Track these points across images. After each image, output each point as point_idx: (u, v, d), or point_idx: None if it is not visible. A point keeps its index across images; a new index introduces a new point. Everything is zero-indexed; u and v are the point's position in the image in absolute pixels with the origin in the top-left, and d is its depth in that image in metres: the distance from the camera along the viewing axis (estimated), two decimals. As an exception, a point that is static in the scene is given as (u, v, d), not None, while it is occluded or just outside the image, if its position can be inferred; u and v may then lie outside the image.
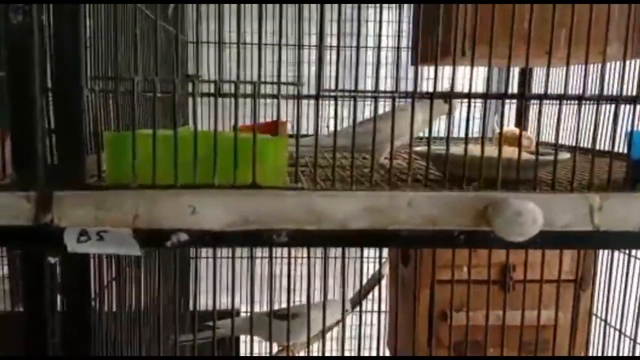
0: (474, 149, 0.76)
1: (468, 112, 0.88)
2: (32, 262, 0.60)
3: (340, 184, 0.67)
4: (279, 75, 0.62)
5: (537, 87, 1.44)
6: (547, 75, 0.74)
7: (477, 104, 1.54)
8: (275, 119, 0.69)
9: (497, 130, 1.39)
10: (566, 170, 0.85)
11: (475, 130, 1.52)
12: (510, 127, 1.40)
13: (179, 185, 0.61)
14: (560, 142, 0.79)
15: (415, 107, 0.72)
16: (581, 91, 0.70)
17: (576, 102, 0.71)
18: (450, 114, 1.03)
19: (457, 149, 0.87)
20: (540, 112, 0.86)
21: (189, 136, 0.60)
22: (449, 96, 0.92)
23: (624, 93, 0.72)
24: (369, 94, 0.67)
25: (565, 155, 0.85)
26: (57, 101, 0.59)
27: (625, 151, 0.73)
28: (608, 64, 0.75)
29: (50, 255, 0.61)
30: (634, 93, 0.71)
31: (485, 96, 0.84)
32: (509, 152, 0.85)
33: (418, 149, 0.94)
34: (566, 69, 0.92)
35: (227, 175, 0.62)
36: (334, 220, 0.62)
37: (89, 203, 0.59)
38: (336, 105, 0.66)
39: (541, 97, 0.70)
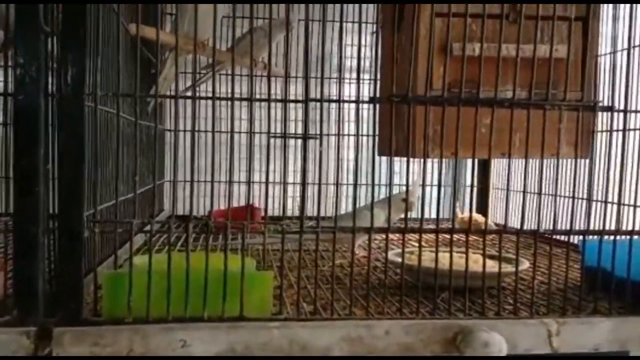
0: (444, 258, 0.83)
1: (438, 201, 0.94)
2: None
3: (322, 309, 0.72)
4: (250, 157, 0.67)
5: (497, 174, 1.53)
6: (508, 175, 0.82)
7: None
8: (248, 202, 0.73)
9: (460, 215, 1.48)
10: (527, 279, 0.92)
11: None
12: (473, 213, 1.48)
13: (171, 319, 0.65)
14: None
15: (377, 207, 0.79)
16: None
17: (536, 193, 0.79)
18: (409, 211, 1.12)
19: (428, 257, 0.94)
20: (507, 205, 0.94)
21: (182, 271, 0.65)
22: (406, 199, 0.99)
23: (577, 190, 0.80)
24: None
25: (524, 265, 0.93)
26: (60, 242, 0.63)
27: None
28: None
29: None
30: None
31: (454, 185, 0.93)
32: (474, 259, 0.93)
33: (394, 252, 1.01)
34: (525, 170, 1.00)
35: (216, 305, 0.66)
36: (316, 349, 0.66)
37: (86, 339, 0.62)
38: (319, 196, 0.72)
39: (500, 232, 0.77)
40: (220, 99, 0.66)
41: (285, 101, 0.66)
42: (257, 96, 0.67)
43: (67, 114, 0.61)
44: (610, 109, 0.74)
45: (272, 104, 0.66)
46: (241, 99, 0.66)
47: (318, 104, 0.67)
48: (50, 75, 0.62)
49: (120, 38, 0.68)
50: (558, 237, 0.97)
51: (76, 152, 0.62)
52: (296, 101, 0.67)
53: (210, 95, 0.67)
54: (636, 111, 0.77)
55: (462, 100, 0.72)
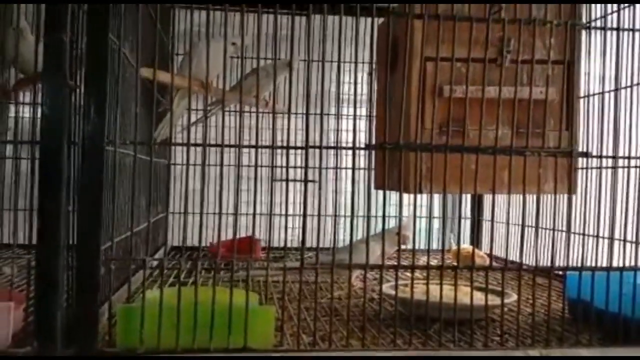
0: (436, 291, 0.88)
1: (429, 235, 0.99)
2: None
3: (321, 340, 0.77)
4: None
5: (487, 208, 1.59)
6: (493, 208, 0.88)
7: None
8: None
9: (454, 246, 1.53)
10: (513, 313, 0.97)
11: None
12: (465, 244, 1.53)
13: (180, 350, 0.70)
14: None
15: (373, 240, 0.85)
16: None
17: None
18: (403, 245, 1.17)
19: (421, 290, 0.99)
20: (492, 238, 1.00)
21: (190, 305, 0.70)
22: (398, 233, 1.05)
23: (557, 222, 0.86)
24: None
25: (512, 298, 0.98)
26: (77, 277, 0.68)
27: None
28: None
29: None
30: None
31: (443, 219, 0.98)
32: (464, 292, 0.98)
33: (388, 284, 1.06)
34: (508, 205, 1.06)
35: (222, 337, 0.71)
36: (315, 379, 0.71)
37: (101, 371, 0.67)
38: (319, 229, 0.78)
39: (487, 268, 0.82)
40: (228, 146, 0.72)
41: (287, 148, 0.72)
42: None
43: (89, 160, 0.67)
44: (585, 154, 0.80)
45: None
46: (247, 146, 0.72)
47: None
48: (74, 125, 0.68)
49: (137, 89, 0.74)
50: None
51: (95, 196, 0.67)
52: (296, 147, 0.73)
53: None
54: (610, 157, 0.83)
55: (449, 148, 0.78)
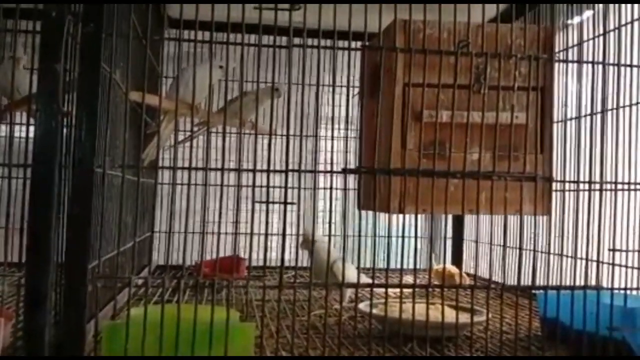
0: (409, 309, 0.91)
1: (402, 256, 1.03)
2: None
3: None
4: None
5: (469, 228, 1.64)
6: (477, 229, 0.91)
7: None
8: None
9: (435, 266, 1.57)
10: (492, 329, 1.01)
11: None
12: (447, 264, 1.57)
13: (163, 364, 0.73)
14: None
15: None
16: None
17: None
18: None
19: (395, 308, 1.02)
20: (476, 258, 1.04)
21: (173, 322, 0.73)
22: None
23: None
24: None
25: (481, 317, 1.02)
26: (65, 294, 0.71)
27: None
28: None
29: None
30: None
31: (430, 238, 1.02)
32: (440, 310, 1.01)
33: (363, 304, 1.09)
34: (491, 226, 1.09)
35: (204, 353, 0.74)
36: (293, 393, 0.74)
37: (86, 385, 0.70)
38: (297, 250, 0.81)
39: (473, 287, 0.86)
40: (211, 169, 0.76)
41: (268, 171, 0.76)
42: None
43: (79, 182, 0.70)
44: (549, 179, 0.85)
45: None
46: (230, 170, 0.76)
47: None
48: (65, 148, 0.71)
49: (127, 114, 0.78)
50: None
51: (83, 217, 0.71)
52: (276, 171, 0.77)
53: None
54: (586, 182, 0.87)
55: (421, 172, 0.83)
